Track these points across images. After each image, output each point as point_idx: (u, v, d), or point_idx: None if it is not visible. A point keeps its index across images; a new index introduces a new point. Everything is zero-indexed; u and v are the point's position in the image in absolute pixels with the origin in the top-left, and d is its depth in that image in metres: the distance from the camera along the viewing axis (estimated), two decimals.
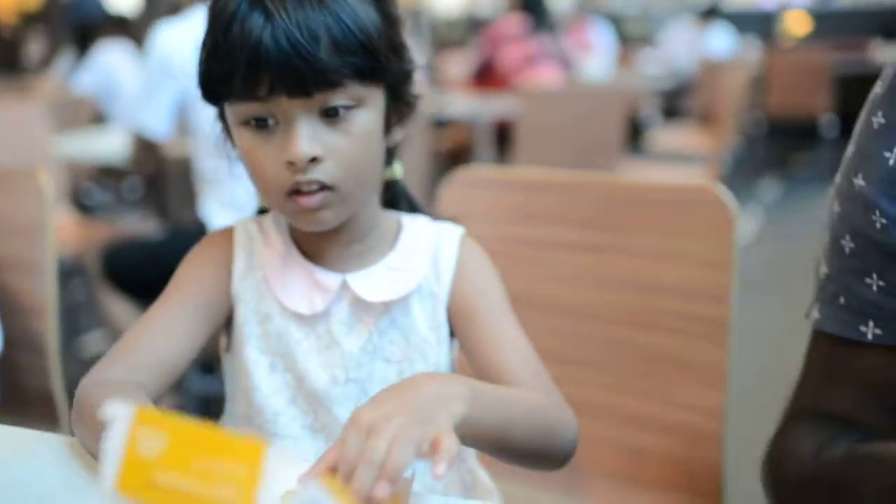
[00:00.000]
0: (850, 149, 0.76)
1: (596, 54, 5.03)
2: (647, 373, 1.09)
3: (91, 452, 0.72)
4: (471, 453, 0.92)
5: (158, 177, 2.97)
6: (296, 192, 0.75)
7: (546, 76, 3.86)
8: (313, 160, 0.74)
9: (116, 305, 2.11)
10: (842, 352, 0.75)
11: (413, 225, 0.89)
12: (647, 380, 1.09)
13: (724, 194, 1.05)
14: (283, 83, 0.72)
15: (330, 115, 0.75)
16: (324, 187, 0.76)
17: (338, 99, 0.74)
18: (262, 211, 0.92)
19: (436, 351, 0.86)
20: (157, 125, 2.11)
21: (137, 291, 2.11)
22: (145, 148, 2.23)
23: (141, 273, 2.11)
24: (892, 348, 0.73)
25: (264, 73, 0.71)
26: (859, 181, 0.73)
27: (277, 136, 0.75)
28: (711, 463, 1.05)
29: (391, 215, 0.89)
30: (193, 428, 0.51)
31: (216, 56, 0.74)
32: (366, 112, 0.76)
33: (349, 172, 0.76)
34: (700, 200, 1.06)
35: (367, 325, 0.85)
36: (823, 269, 0.77)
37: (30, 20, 7.70)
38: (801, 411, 0.79)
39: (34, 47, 6.53)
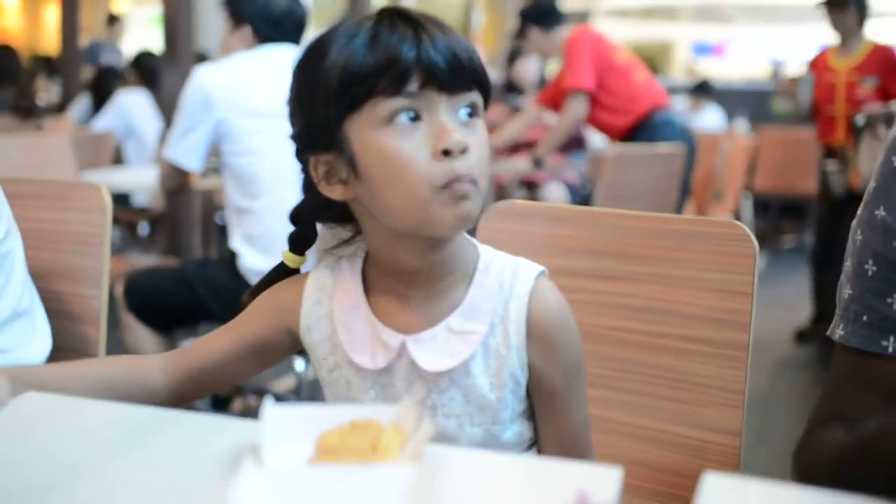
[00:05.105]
0: (872, 185, 0.87)
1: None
2: (669, 395, 1.17)
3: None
4: None
5: (174, 214, 3.05)
6: (447, 185, 0.79)
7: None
8: (462, 151, 0.79)
9: (137, 332, 2.15)
10: (864, 363, 0.84)
11: (488, 270, 0.89)
12: (669, 401, 1.17)
13: (746, 229, 1.15)
14: (435, 78, 0.79)
15: (463, 117, 0.82)
16: (470, 181, 0.80)
17: (472, 97, 0.82)
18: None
19: (496, 408, 0.88)
20: (192, 159, 2.21)
21: (158, 321, 2.16)
22: (177, 177, 2.32)
23: (164, 303, 2.18)
24: None
25: (416, 68, 0.78)
26: (881, 212, 0.84)
27: (422, 131, 0.80)
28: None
29: (471, 250, 0.90)
30: None
31: (372, 50, 0.79)
32: (482, 122, 0.84)
33: (483, 170, 0.82)
34: (725, 235, 1.16)
35: (427, 383, 0.88)
36: (847, 292, 0.86)
37: (41, 65, 7.85)
38: (826, 417, 0.87)
39: (44, 92, 6.67)
